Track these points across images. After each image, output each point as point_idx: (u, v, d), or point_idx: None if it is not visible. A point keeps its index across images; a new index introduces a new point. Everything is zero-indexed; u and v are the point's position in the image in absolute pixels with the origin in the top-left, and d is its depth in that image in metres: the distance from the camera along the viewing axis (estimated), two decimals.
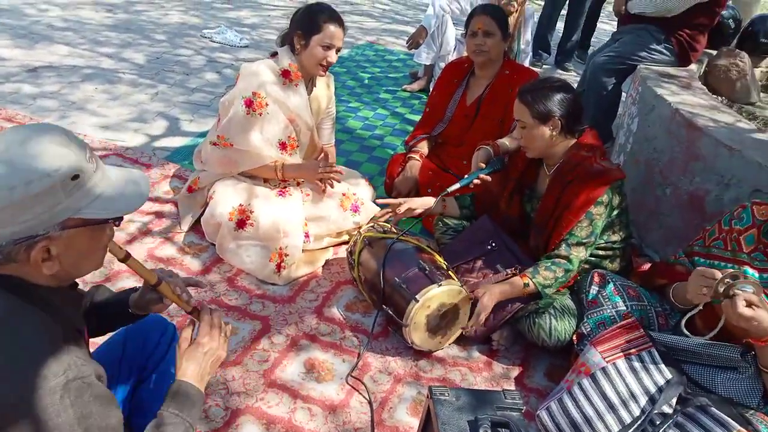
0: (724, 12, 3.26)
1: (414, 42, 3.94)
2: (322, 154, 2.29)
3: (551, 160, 1.98)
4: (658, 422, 1.44)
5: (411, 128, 3.20)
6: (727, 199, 2.15)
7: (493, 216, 2.18)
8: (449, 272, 1.92)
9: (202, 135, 3.05)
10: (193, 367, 1.09)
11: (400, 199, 2.16)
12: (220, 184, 2.23)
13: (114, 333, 1.35)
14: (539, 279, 1.82)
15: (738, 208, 1.66)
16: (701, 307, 1.46)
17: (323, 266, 2.26)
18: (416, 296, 1.76)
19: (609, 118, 3.44)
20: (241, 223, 2.11)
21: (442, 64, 4.07)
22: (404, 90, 4.35)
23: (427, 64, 4.21)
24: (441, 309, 1.80)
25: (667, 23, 3.10)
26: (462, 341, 1.95)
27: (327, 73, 2.26)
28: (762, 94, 3.36)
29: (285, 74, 2.18)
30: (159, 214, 2.41)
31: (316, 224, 2.23)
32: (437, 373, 1.85)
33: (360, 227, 2.26)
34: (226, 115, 2.20)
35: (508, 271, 1.96)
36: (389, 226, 2.17)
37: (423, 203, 2.15)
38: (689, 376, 1.58)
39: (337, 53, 2.14)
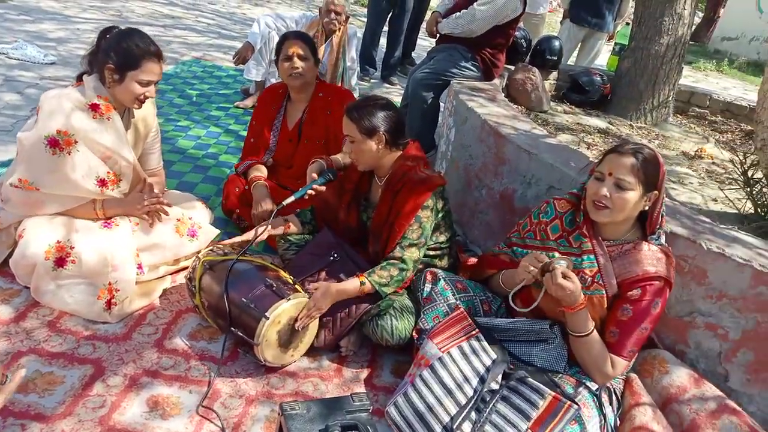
0: (517, 33, 3.76)
1: (240, 58, 3.91)
2: (146, 186, 2.15)
3: (381, 171, 2.12)
4: (488, 399, 1.63)
5: None
6: (530, 196, 2.48)
7: (334, 227, 2.26)
8: (296, 286, 1.96)
9: (5, 165, 2.70)
10: None
11: (249, 234, 2.11)
12: (31, 219, 1.99)
13: None
14: (374, 278, 1.94)
15: (543, 204, 1.95)
16: (524, 284, 1.71)
17: (161, 296, 2.15)
18: (266, 313, 1.76)
19: (431, 128, 3.76)
20: (60, 261, 1.92)
21: (273, 80, 4.11)
22: (237, 107, 4.29)
23: (258, 80, 4.20)
24: (291, 323, 1.83)
25: (472, 43, 3.49)
26: (312, 352, 1.99)
27: None
28: (552, 103, 3.92)
29: (94, 108, 1.98)
30: None
31: (149, 253, 2.11)
32: (290, 388, 1.87)
33: (199, 252, 2.19)
34: (25, 154, 1.93)
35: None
36: (229, 247, 2.14)
37: (263, 224, 2.16)
38: (511, 352, 1.80)
39: (156, 84, 2.04)
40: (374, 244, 2.15)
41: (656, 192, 1.69)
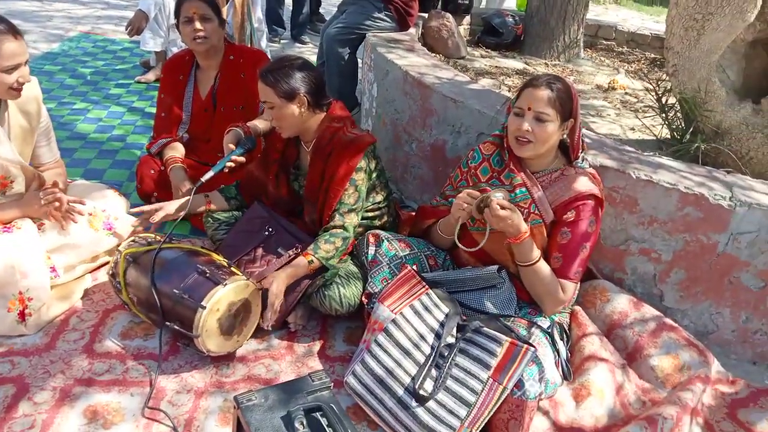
0: None
1: (134, 29, 3.57)
2: (52, 183, 1.91)
3: (307, 136, 2.01)
4: (446, 354, 1.61)
5: None
6: (461, 145, 2.45)
7: (265, 200, 2.14)
8: (232, 269, 1.83)
9: None
10: None
11: (155, 205, 1.97)
12: None
13: None
14: (321, 253, 1.86)
15: (470, 152, 1.93)
16: (461, 222, 1.71)
17: (83, 297, 1.96)
18: (202, 303, 1.64)
19: (352, 85, 3.63)
20: None
21: (175, 49, 3.80)
22: (138, 82, 3.96)
23: (158, 50, 3.88)
24: (232, 308, 1.72)
25: None
26: (259, 333, 1.90)
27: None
28: (468, 48, 3.88)
29: None
30: None
31: (63, 254, 1.90)
32: (241, 374, 1.77)
33: (119, 245, 2.00)
34: None
35: (290, 252, 1.96)
36: (154, 236, 1.97)
37: (181, 204, 2.00)
38: (462, 303, 1.79)
39: (26, 64, 1.76)
40: (310, 213, 2.05)
41: (572, 120, 1.71)
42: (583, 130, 2.13)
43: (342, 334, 1.98)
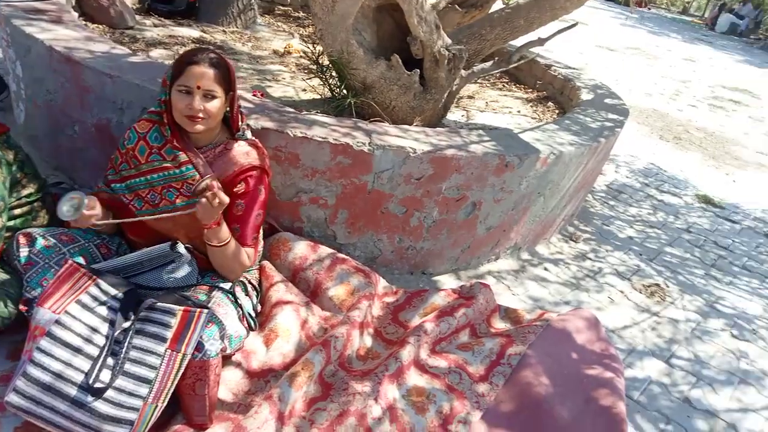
0: None
1: None
2: None
3: None
4: (122, 339, 1.57)
5: None
6: (126, 122, 2.32)
7: None
8: None
9: None
10: None
11: None
12: None
13: None
14: None
15: (126, 132, 1.84)
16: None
17: None
18: None
19: None
20: None
21: None
22: None
23: None
24: None
25: None
26: None
27: None
28: (138, 17, 3.64)
29: None
30: None
31: None
32: None
33: None
34: None
35: None
36: None
37: None
38: (142, 285, 1.76)
39: None
40: None
41: (232, 92, 1.78)
42: (245, 96, 2.24)
43: (4, 352, 1.76)
